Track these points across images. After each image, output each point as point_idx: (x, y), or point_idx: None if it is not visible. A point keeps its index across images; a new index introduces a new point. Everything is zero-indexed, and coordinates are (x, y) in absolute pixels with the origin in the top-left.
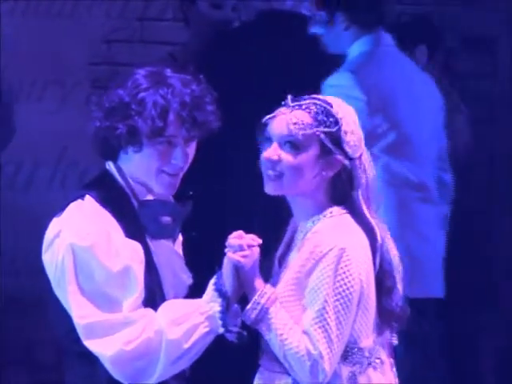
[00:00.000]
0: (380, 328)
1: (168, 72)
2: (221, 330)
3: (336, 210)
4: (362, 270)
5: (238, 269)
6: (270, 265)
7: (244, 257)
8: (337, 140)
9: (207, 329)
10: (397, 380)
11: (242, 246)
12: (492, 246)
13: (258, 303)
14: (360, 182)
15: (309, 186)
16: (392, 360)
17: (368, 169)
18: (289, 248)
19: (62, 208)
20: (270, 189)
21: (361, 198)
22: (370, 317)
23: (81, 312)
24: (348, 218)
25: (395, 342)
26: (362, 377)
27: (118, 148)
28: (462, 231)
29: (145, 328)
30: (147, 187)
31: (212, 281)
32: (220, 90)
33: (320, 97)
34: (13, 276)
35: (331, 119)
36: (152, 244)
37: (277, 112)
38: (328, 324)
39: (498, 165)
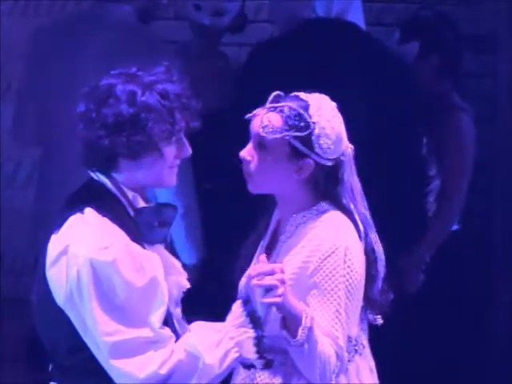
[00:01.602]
0: (362, 312)
1: (140, 71)
2: (253, 357)
3: (325, 204)
4: (361, 264)
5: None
6: (248, 252)
7: (280, 295)
8: (308, 143)
9: (237, 354)
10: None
11: (276, 286)
12: (492, 245)
13: (307, 326)
14: (342, 180)
15: (281, 186)
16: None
17: (349, 167)
18: (275, 239)
19: (59, 224)
20: (248, 187)
21: (346, 194)
22: (360, 306)
23: (107, 329)
24: (339, 214)
25: (380, 321)
26: (351, 365)
27: (133, 158)
28: (462, 230)
29: (174, 348)
30: (141, 194)
31: (239, 305)
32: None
33: (302, 96)
34: (12, 275)
35: (302, 123)
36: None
37: (256, 111)
38: (343, 318)
39: (498, 163)
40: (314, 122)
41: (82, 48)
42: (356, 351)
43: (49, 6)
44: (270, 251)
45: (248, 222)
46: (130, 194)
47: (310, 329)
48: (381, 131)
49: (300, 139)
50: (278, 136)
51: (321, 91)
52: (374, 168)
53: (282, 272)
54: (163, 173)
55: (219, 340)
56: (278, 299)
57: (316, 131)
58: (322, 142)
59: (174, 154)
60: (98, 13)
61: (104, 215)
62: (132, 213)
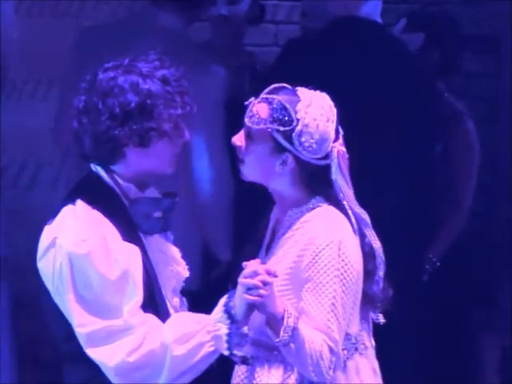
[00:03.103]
0: (363, 312)
1: (135, 62)
2: (226, 353)
3: (320, 199)
4: (357, 259)
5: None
6: (251, 250)
7: (260, 296)
8: (289, 139)
9: (213, 348)
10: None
11: (256, 285)
12: (495, 245)
13: (289, 326)
14: (331, 181)
15: (268, 178)
16: (374, 343)
17: (337, 170)
18: (274, 236)
19: (53, 215)
20: (240, 173)
21: (338, 193)
22: (358, 303)
23: (81, 321)
24: (333, 208)
25: (382, 320)
26: (349, 362)
27: (144, 146)
28: (465, 230)
29: (145, 336)
30: (141, 183)
31: (223, 300)
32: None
33: (299, 92)
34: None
35: (286, 118)
36: (146, 241)
37: (250, 100)
38: (339, 312)
39: (500, 164)
40: (297, 119)
41: (126, 53)
42: (356, 349)
43: (53, 6)
44: (269, 250)
45: (251, 219)
46: (125, 185)
47: (294, 329)
48: (401, 133)
49: (282, 133)
50: (262, 127)
51: (344, 90)
52: (387, 167)
53: (269, 274)
54: (167, 160)
55: (195, 332)
56: (256, 298)
57: (298, 128)
58: (303, 139)
59: (178, 140)
60: (143, 18)
61: (94, 207)
62: (127, 203)
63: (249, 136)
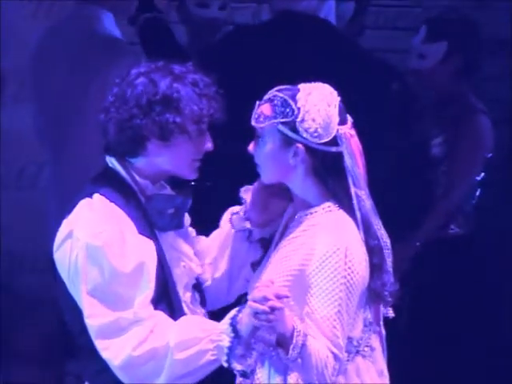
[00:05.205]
0: (373, 310)
1: (171, 63)
2: (225, 365)
3: (330, 204)
4: (363, 265)
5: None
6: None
7: (268, 321)
8: (295, 128)
9: (214, 357)
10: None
11: (265, 311)
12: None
13: (298, 345)
14: (343, 169)
15: (285, 175)
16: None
17: (348, 152)
18: (283, 233)
19: (70, 209)
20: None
21: (349, 185)
22: (361, 306)
23: (92, 311)
24: (342, 213)
25: (391, 315)
26: (350, 365)
27: (164, 139)
28: (483, 231)
29: (152, 330)
30: (157, 182)
31: (232, 312)
32: (230, 89)
33: (300, 85)
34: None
35: (288, 109)
36: (160, 237)
37: (256, 105)
38: (344, 319)
39: None
40: (299, 107)
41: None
42: (358, 352)
43: (48, 7)
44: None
45: None
46: (142, 182)
47: (303, 346)
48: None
49: (287, 125)
50: (267, 124)
51: (277, 81)
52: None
53: (279, 298)
54: (187, 162)
55: (199, 339)
56: (265, 324)
57: (300, 115)
58: (307, 125)
59: (199, 144)
60: (78, 15)
61: (112, 201)
62: (143, 200)
63: (258, 137)
